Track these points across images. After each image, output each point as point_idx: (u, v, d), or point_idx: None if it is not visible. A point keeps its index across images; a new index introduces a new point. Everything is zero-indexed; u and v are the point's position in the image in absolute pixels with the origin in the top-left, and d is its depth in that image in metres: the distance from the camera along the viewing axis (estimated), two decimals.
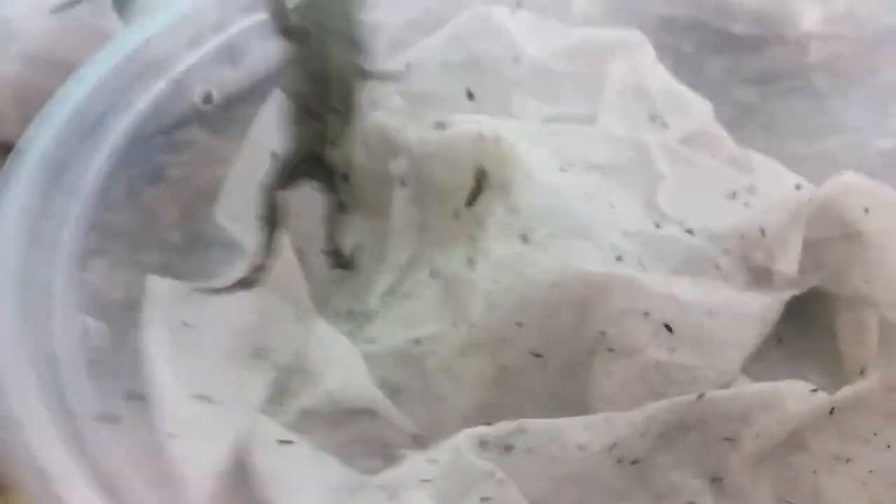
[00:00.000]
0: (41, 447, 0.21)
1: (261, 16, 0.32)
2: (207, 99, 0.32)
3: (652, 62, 0.35)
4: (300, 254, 0.32)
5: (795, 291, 0.30)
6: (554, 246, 0.28)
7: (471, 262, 0.30)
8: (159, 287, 0.29)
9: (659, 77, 0.35)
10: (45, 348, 0.23)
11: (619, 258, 0.28)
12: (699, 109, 0.34)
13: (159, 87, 0.31)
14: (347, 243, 0.34)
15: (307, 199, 0.33)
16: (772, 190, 0.32)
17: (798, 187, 0.32)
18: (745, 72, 0.43)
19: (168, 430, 0.26)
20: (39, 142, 0.27)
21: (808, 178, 0.33)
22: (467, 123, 0.33)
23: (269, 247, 0.30)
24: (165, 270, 0.29)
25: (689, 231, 0.29)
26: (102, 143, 0.28)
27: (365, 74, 0.32)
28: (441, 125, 0.33)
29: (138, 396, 0.26)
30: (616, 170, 0.31)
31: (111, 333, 0.25)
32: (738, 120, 0.39)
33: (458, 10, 0.38)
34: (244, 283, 0.30)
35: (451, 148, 0.33)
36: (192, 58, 0.32)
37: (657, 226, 0.29)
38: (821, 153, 0.37)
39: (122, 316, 0.26)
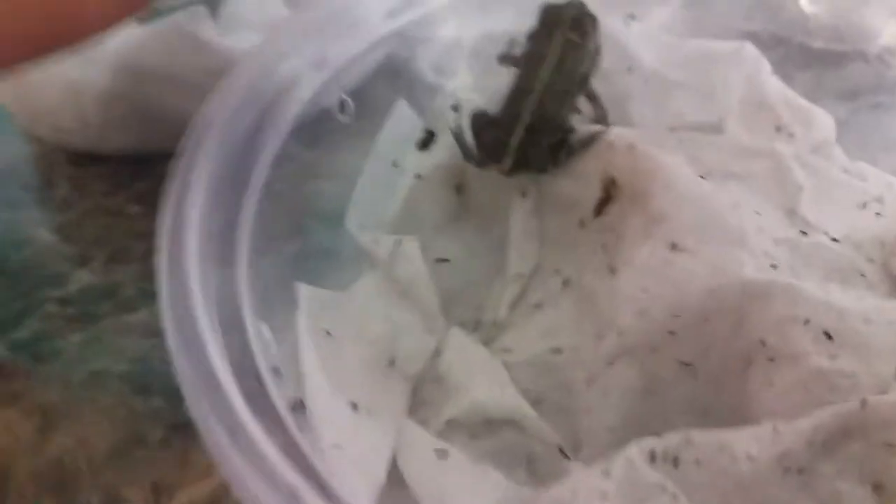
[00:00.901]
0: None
1: None
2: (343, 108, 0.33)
3: (768, 74, 0.35)
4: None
5: None
6: (706, 253, 0.28)
7: (612, 270, 0.30)
8: (305, 294, 0.29)
9: (777, 89, 0.35)
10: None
11: (773, 266, 0.28)
12: (822, 122, 0.34)
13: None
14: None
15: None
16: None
17: None
18: (830, 87, 0.43)
19: (331, 441, 0.25)
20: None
21: None
22: (591, 132, 0.33)
23: None
24: (310, 276, 0.29)
25: (835, 240, 0.29)
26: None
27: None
28: None
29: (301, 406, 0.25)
30: (754, 179, 0.31)
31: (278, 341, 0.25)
32: None
33: None
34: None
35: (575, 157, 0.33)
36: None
37: (804, 234, 0.29)
38: None
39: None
